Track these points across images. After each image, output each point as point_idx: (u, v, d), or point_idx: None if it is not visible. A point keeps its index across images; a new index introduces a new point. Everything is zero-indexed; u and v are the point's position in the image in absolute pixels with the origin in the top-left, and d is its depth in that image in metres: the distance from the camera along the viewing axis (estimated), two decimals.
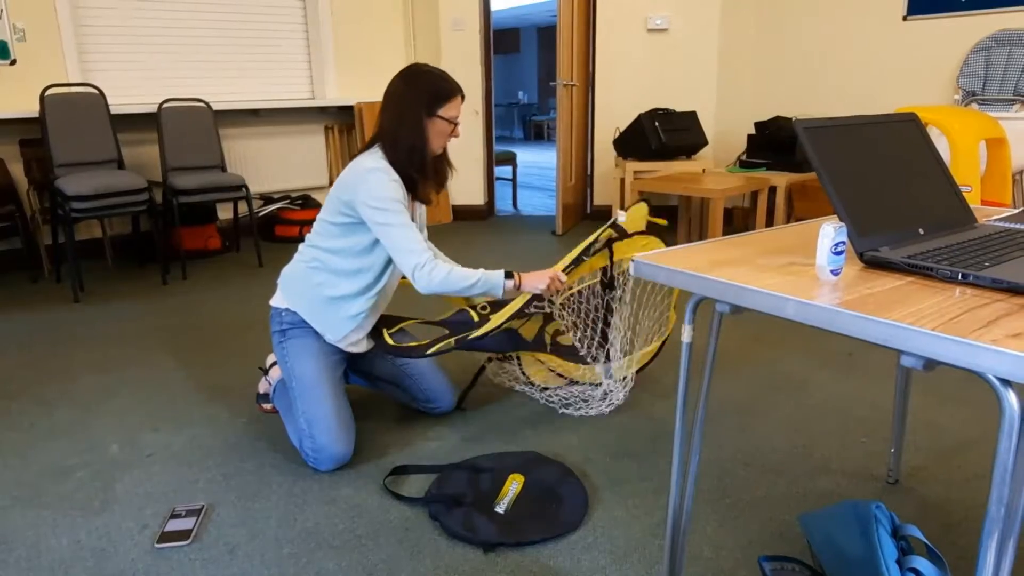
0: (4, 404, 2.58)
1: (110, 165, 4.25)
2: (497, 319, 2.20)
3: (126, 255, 4.86)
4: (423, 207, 2.38)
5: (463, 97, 2.19)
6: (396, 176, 2.12)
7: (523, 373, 2.37)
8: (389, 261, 2.21)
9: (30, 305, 3.76)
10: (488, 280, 2.15)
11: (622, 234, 2.36)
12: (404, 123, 2.12)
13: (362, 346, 2.31)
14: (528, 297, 2.23)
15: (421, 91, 2.11)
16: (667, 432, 2.32)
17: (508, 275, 2.18)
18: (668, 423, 2.38)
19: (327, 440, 2.08)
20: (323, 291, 2.20)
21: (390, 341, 2.26)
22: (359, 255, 2.18)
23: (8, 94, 4.32)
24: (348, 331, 2.22)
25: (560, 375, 2.47)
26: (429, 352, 2.16)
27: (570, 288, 2.35)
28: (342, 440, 2.10)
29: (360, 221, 2.14)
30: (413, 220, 2.27)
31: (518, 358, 2.34)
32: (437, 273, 2.09)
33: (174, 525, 1.84)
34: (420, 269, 2.08)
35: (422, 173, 2.18)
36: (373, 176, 2.07)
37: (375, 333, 2.31)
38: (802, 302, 1.02)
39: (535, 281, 2.21)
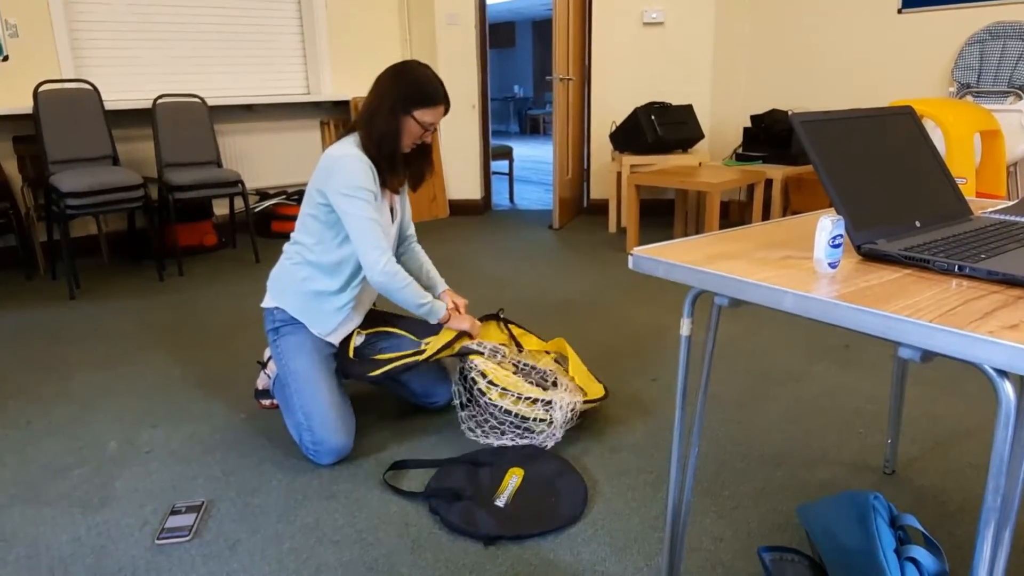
0: (1, 401, 2.58)
1: (105, 161, 4.24)
2: (432, 348, 2.25)
3: (122, 252, 4.85)
4: (406, 200, 2.41)
5: (447, 108, 2.18)
6: (368, 163, 2.13)
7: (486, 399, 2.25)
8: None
9: (26, 303, 3.75)
10: (433, 307, 2.21)
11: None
12: (381, 112, 2.12)
13: (355, 341, 2.31)
14: (453, 335, 2.26)
15: (405, 88, 2.11)
16: (664, 425, 2.33)
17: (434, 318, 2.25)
18: (665, 416, 2.39)
19: (326, 433, 2.09)
20: (308, 286, 2.21)
21: (350, 354, 2.29)
22: (340, 246, 2.19)
23: (1, 90, 4.30)
24: (336, 324, 2.23)
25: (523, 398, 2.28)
26: (372, 375, 2.20)
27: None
28: (341, 432, 2.11)
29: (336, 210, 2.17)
30: (393, 210, 2.30)
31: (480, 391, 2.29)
32: (399, 279, 2.13)
33: (174, 521, 1.84)
34: (386, 265, 2.10)
35: (391, 163, 2.18)
36: (345, 163, 2.09)
37: (348, 339, 2.32)
38: (800, 295, 1.03)
39: (460, 321, 2.28)
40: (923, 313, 0.93)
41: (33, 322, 3.44)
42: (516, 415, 2.18)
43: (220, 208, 5.15)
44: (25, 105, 4.11)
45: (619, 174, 5.13)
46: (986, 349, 0.86)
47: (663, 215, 5.78)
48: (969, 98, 4.17)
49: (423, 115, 2.13)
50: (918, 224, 1.30)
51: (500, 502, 1.88)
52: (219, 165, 4.66)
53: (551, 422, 2.19)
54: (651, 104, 4.99)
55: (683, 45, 5.47)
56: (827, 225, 1.10)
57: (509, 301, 3.63)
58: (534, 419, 2.19)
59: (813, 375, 2.68)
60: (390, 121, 2.11)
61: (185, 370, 2.83)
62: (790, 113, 1.36)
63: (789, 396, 2.51)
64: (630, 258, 1.27)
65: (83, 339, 3.20)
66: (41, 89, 4.03)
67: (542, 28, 15.78)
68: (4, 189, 4.22)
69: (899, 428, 2.00)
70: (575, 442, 2.23)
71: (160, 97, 4.48)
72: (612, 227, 5.26)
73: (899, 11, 4.48)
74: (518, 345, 2.54)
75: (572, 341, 3.06)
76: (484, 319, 2.51)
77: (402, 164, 2.23)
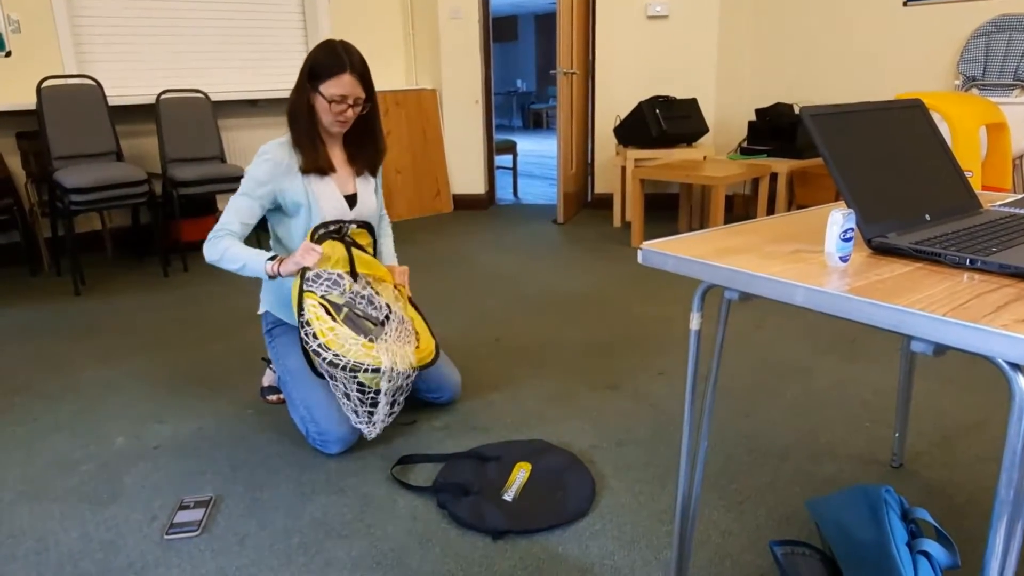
0: (7, 398, 2.58)
1: (109, 157, 4.24)
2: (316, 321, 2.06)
3: (126, 248, 4.85)
4: (366, 182, 2.35)
5: (362, 77, 2.12)
6: (277, 151, 2.15)
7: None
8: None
9: (31, 299, 3.76)
10: (252, 265, 2.07)
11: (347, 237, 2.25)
12: (293, 94, 2.17)
13: None
14: (299, 281, 2.06)
15: (308, 65, 2.12)
16: (671, 419, 2.33)
17: (271, 259, 2.08)
18: (672, 410, 2.39)
19: (330, 423, 2.11)
20: (282, 283, 2.27)
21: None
22: (287, 241, 2.26)
23: (3, 86, 4.30)
24: None
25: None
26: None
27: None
28: (345, 421, 2.12)
29: (276, 206, 2.22)
30: (353, 196, 2.27)
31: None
32: (215, 249, 2.11)
33: (183, 516, 1.85)
34: (207, 242, 2.11)
35: (303, 143, 2.17)
36: (256, 156, 2.16)
37: None
38: (812, 289, 1.02)
39: (291, 262, 2.05)
40: (936, 307, 0.93)
41: (38, 318, 3.44)
42: (345, 368, 1.98)
43: (224, 203, 5.14)
44: (28, 101, 4.11)
45: (623, 168, 5.12)
46: (1000, 343, 0.85)
47: (667, 209, 5.77)
48: (975, 91, 4.16)
49: (328, 88, 2.10)
50: (928, 217, 1.30)
51: (508, 496, 1.88)
52: (223, 160, 4.65)
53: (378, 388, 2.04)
54: (655, 98, 4.98)
55: (687, 38, 5.46)
56: (838, 219, 1.10)
57: (513, 296, 3.63)
58: (363, 371, 2.00)
59: (820, 368, 2.68)
60: (299, 101, 2.15)
61: (191, 366, 2.83)
62: (800, 107, 1.36)
63: (796, 389, 2.51)
64: (639, 252, 1.27)
65: (88, 335, 3.20)
66: (44, 85, 4.03)
67: (545, 22, 15.73)
68: (8, 185, 4.22)
69: (906, 421, 2.00)
70: (582, 436, 2.23)
71: (163, 92, 4.48)
72: (616, 221, 5.26)
73: (904, 4, 4.46)
74: (353, 273, 2.22)
75: (576, 335, 3.06)
76: (324, 237, 2.17)
77: (321, 143, 2.20)
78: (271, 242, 2.32)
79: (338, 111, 2.13)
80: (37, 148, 4.21)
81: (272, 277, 2.08)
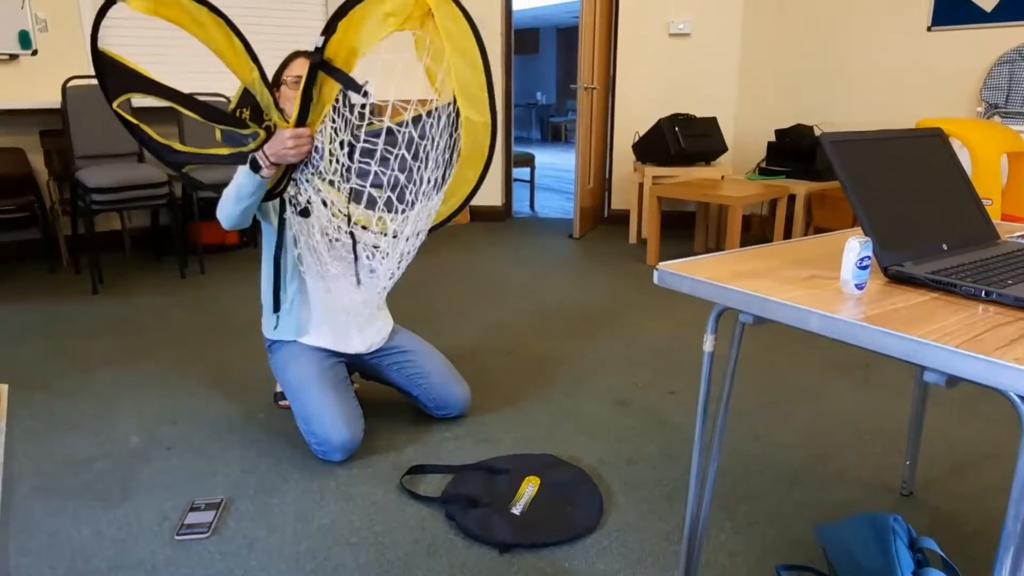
0: (24, 394, 2.62)
1: (131, 158, 4.30)
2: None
3: (144, 248, 4.90)
4: None
5: (307, 56, 2.27)
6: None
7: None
8: (281, 243, 2.24)
9: (49, 296, 3.80)
10: (239, 185, 2.20)
11: (318, 53, 1.96)
12: None
13: (352, 346, 2.35)
14: (283, 169, 2.16)
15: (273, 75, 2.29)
16: (681, 438, 2.33)
17: (254, 165, 2.14)
18: (682, 429, 2.39)
19: (326, 431, 2.13)
20: (267, 299, 2.33)
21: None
22: (268, 250, 2.30)
23: (29, 84, 4.36)
24: (295, 324, 2.29)
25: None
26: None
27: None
28: (342, 428, 2.13)
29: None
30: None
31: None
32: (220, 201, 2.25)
33: (193, 518, 1.86)
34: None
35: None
36: None
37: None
38: (827, 316, 1.03)
39: (278, 153, 2.09)
40: (950, 338, 0.93)
41: (56, 315, 3.48)
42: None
43: None
44: (53, 99, 4.17)
45: (641, 185, 5.14)
46: (1012, 376, 0.86)
47: (684, 227, 5.77)
48: (997, 119, 4.14)
49: (288, 74, 2.27)
50: (945, 247, 1.30)
51: (516, 510, 1.89)
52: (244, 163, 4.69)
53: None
54: (675, 115, 4.99)
55: (709, 57, 5.47)
56: (855, 246, 1.10)
57: (526, 309, 3.64)
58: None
59: (831, 393, 2.67)
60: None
61: (206, 368, 2.86)
62: (820, 132, 1.36)
63: (807, 413, 2.51)
64: (655, 273, 1.28)
65: (105, 334, 3.23)
66: (69, 84, 4.09)
67: (567, 35, 15.79)
68: (30, 182, 4.28)
69: (917, 450, 1.99)
70: (591, 452, 2.23)
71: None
72: (632, 238, 5.26)
73: (928, 29, 4.46)
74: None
75: (589, 351, 3.07)
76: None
77: None
78: (264, 269, 2.35)
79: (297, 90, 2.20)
80: (60, 147, 4.27)
81: (264, 177, 2.12)
